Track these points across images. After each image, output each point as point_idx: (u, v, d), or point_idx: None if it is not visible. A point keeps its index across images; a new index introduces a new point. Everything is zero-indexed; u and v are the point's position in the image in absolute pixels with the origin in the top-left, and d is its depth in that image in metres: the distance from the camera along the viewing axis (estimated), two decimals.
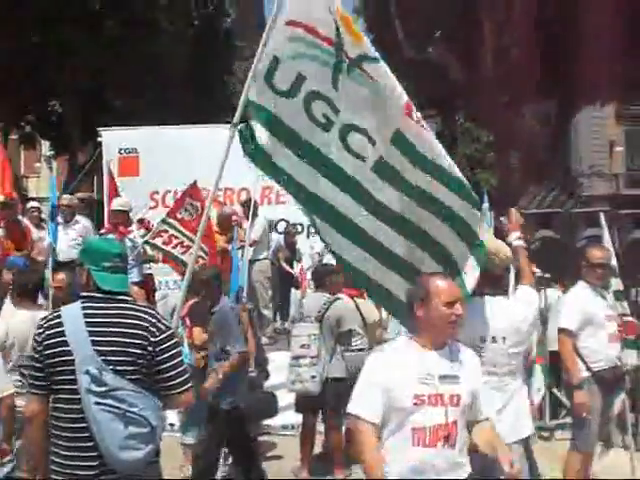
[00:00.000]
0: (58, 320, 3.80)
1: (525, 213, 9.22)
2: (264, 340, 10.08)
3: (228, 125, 5.71)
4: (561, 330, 6.42)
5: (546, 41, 18.06)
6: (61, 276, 7.27)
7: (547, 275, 8.82)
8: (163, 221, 10.12)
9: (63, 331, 3.74)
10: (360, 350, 8.21)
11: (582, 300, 6.33)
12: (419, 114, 4.67)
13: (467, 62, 17.54)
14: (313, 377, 7.49)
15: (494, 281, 4.72)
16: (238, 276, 8.96)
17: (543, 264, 8.78)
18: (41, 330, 3.79)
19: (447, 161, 4.65)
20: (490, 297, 4.74)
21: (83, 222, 11.90)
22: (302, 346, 7.65)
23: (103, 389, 3.63)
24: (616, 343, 6.29)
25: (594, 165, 39.89)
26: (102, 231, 11.24)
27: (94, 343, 3.71)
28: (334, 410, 7.60)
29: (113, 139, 14.02)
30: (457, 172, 4.67)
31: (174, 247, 10.08)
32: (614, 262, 7.19)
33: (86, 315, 3.78)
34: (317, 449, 8.20)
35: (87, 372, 3.63)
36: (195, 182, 9.95)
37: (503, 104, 20.36)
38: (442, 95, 21.63)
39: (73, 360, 3.67)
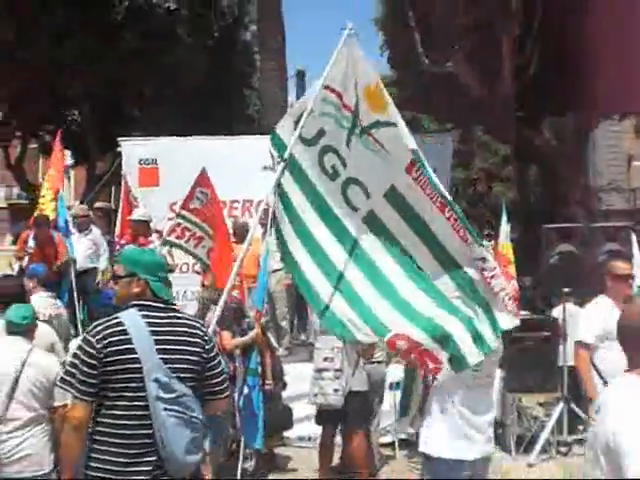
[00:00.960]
0: (121, 328, 3.87)
1: (544, 227, 9.23)
2: (281, 351, 10.10)
3: (246, 136, 6.10)
4: (578, 343, 6.43)
5: (564, 55, 17.99)
6: None
7: (566, 289, 8.81)
8: (177, 215, 10.25)
9: (129, 339, 3.83)
10: (380, 362, 8.26)
11: (601, 313, 6.32)
12: (422, 174, 5.27)
13: (485, 76, 17.50)
14: (336, 390, 7.52)
15: None
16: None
17: (562, 278, 8.77)
18: (100, 336, 3.85)
19: (440, 223, 5.21)
20: None
21: (95, 231, 12.00)
22: (325, 359, 7.68)
23: (172, 396, 3.83)
24: None
25: (612, 180, 39.82)
26: (122, 242, 11.29)
27: (159, 351, 3.85)
28: (355, 423, 7.61)
29: (133, 150, 14.12)
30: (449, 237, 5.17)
31: (187, 240, 10.19)
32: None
33: (149, 324, 3.90)
34: (334, 461, 8.23)
35: (156, 380, 3.81)
36: (204, 169, 10.10)
37: (520, 118, 20.29)
38: (460, 109, 21.62)
39: (140, 368, 3.77)
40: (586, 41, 17.41)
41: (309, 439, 9.29)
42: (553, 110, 23.47)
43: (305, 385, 8.45)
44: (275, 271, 11.28)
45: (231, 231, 12.15)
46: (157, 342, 3.86)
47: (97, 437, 3.85)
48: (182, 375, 3.89)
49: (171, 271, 11.81)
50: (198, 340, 4.02)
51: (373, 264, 5.39)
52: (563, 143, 21.44)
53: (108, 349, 3.82)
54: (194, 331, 4.03)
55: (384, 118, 5.43)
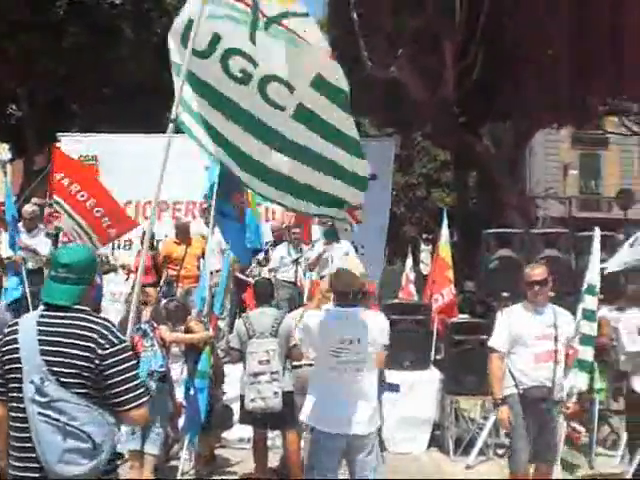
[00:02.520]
0: (15, 328, 3.80)
1: (486, 233, 9.37)
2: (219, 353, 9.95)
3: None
4: (489, 348, 6.64)
5: (504, 65, 18.27)
6: None
7: (505, 294, 8.93)
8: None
9: (17, 339, 3.74)
10: (309, 365, 8.26)
11: (512, 319, 6.56)
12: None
13: (428, 82, 17.67)
14: (275, 393, 7.48)
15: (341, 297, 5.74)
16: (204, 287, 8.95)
17: (501, 283, 8.90)
18: (1, 337, 3.82)
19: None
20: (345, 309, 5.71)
21: (43, 230, 11.79)
22: (260, 362, 7.62)
23: (45, 399, 3.59)
24: (546, 363, 6.38)
25: (549, 187, 40.58)
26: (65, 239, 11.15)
27: (42, 353, 3.67)
28: (291, 423, 7.59)
29: (73, 145, 13.87)
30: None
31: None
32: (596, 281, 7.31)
33: (39, 324, 3.76)
34: (274, 462, 8.23)
35: (32, 382, 3.61)
36: None
37: (460, 125, 20.54)
38: (401, 114, 21.79)
39: (21, 369, 3.66)
40: (528, 49, 17.72)
41: (248, 440, 9.24)
42: (494, 117, 23.83)
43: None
44: (218, 271, 11.24)
45: (174, 232, 12.08)
46: (41, 343, 3.67)
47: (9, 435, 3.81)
48: (65, 380, 3.63)
49: (114, 271, 11.72)
50: (90, 345, 3.67)
51: (314, 152, 5.37)
52: (501, 150, 21.73)
53: (2, 349, 3.77)
54: (87, 334, 3.70)
55: (293, 8, 5.08)
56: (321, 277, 11.23)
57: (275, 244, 12.11)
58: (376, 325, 5.83)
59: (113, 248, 13.15)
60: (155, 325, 7.72)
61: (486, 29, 16.71)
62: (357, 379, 5.58)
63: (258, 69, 5.21)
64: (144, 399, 3.85)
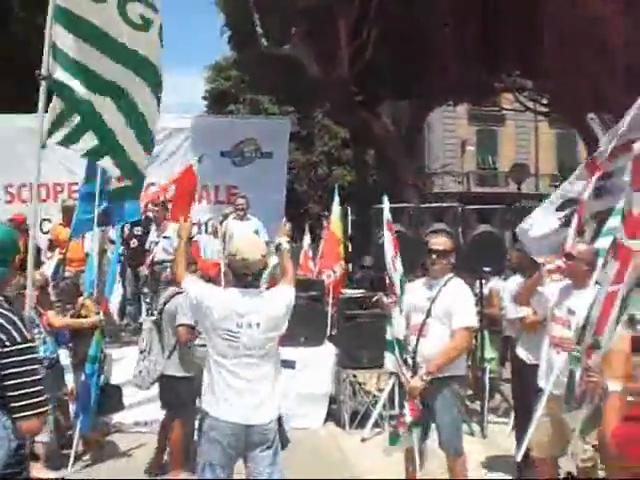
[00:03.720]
0: None
1: (373, 208, 9.45)
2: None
3: None
4: None
5: (401, 41, 18.44)
6: None
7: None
8: None
9: None
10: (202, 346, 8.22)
11: (409, 291, 6.58)
12: None
13: (324, 59, 17.71)
14: (140, 372, 7.38)
15: (239, 279, 5.19)
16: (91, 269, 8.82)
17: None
18: None
19: None
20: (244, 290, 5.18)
21: None
22: (141, 341, 7.57)
23: None
24: (412, 336, 6.27)
25: (446, 163, 41.32)
26: None
27: None
28: (169, 408, 7.50)
29: None
30: None
31: None
32: None
33: None
34: None
35: None
36: None
37: (357, 103, 20.67)
38: (300, 92, 21.80)
39: None
40: (422, 28, 17.92)
41: (145, 424, 9.17)
42: (391, 95, 24.07)
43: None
44: None
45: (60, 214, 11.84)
46: None
47: None
48: None
49: None
50: None
51: None
52: (398, 128, 21.97)
53: None
54: None
55: None
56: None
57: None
58: (281, 305, 5.27)
59: None
60: (42, 311, 7.57)
61: (380, 7, 16.82)
62: (254, 364, 5.07)
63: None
64: (39, 410, 3.38)
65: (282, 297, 5.32)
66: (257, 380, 5.10)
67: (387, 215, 7.06)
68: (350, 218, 16.13)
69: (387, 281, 7.34)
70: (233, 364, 5.04)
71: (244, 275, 5.15)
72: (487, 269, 9.37)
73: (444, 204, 9.93)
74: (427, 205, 7.83)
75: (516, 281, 7.57)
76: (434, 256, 6.26)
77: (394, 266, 6.83)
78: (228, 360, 5.04)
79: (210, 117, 24.30)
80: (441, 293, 6.18)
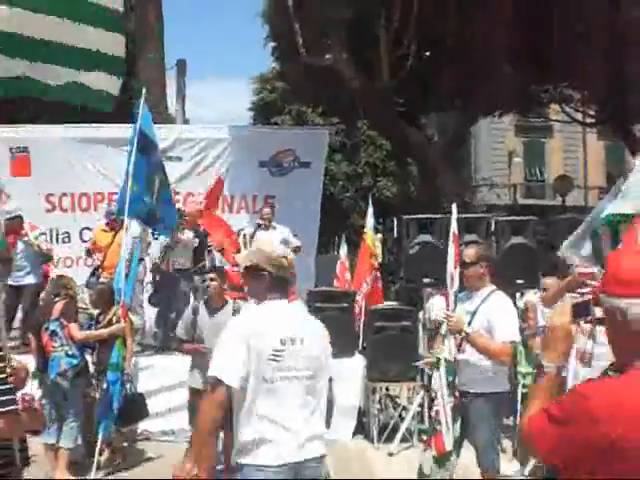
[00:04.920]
0: None
1: (406, 219, 9.38)
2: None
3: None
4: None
5: (443, 51, 18.34)
6: None
7: (426, 280, 8.97)
8: None
9: None
10: None
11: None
12: None
13: (364, 70, 17.66)
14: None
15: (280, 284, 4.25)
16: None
17: (422, 268, 8.93)
18: None
19: None
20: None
21: None
22: None
23: None
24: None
25: (493, 175, 40.94)
26: None
27: None
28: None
29: (3, 137, 13.70)
30: None
31: None
32: None
33: None
34: None
35: None
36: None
37: (399, 114, 20.57)
38: (342, 103, 21.78)
39: None
40: (467, 40, 17.77)
41: (172, 433, 9.17)
42: (435, 106, 23.95)
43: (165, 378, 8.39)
44: None
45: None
46: None
47: None
48: None
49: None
50: None
51: None
52: (441, 139, 21.85)
53: None
54: None
55: None
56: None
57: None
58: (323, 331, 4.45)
59: (52, 241, 13.10)
60: (65, 323, 7.66)
61: (422, 17, 16.71)
62: (303, 387, 4.09)
63: None
64: (7, 408, 3.29)
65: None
66: (310, 400, 4.15)
67: (454, 226, 6.82)
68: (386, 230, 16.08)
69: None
70: (280, 389, 4.02)
71: (285, 281, 4.26)
72: (520, 281, 9.20)
73: (477, 215, 9.83)
74: (459, 216, 7.68)
75: None
76: (464, 267, 6.18)
77: (452, 280, 6.58)
78: (259, 388, 3.99)
79: (249, 127, 24.46)
80: (482, 307, 6.05)
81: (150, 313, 11.39)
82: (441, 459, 6.08)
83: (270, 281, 4.19)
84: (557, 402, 2.51)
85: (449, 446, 5.99)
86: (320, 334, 4.38)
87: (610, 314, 2.50)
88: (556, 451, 2.47)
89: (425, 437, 8.81)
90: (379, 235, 14.67)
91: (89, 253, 11.87)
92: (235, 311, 7.26)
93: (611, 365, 2.62)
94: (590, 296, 2.82)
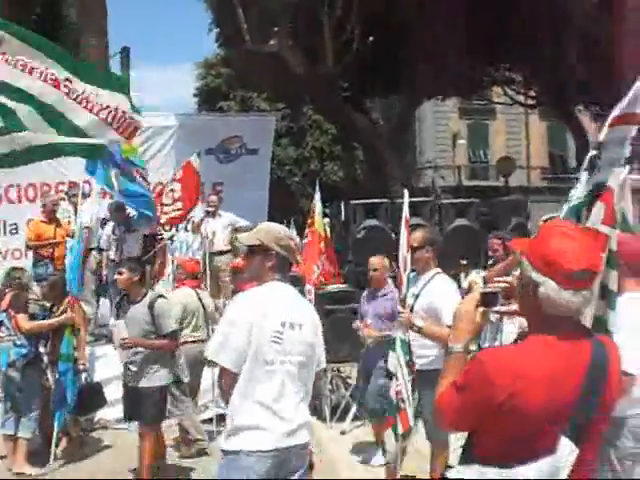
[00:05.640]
0: None
1: (353, 204, 9.55)
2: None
3: None
4: None
5: (386, 36, 18.52)
6: None
7: None
8: None
9: None
10: (195, 342, 8.43)
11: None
12: None
13: (308, 56, 17.78)
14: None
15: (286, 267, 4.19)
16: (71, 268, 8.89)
17: (368, 251, 9.12)
18: None
19: None
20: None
21: None
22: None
23: None
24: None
25: (438, 157, 41.40)
26: None
27: None
28: (143, 419, 7.41)
29: None
30: None
31: None
32: None
33: None
34: None
35: None
36: None
37: (344, 99, 20.74)
38: (287, 89, 21.86)
39: None
40: (410, 25, 17.97)
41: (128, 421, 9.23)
42: (377, 90, 24.14)
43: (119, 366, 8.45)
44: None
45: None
46: None
47: None
48: None
49: None
50: None
51: None
52: (386, 124, 22.07)
53: None
54: None
55: None
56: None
57: None
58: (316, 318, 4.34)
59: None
60: (12, 314, 7.71)
61: (364, 1, 16.87)
62: (296, 373, 4.02)
63: None
64: None
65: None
66: (301, 387, 4.09)
67: (406, 211, 6.97)
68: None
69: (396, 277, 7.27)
70: (276, 374, 3.96)
71: (289, 262, 4.17)
72: (464, 262, 9.46)
73: (420, 198, 10.07)
74: (401, 200, 7.89)
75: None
76: (412, 251, 6.25)
77: (405, 264, 6.71)
78: (272, 368, 3.94)
79: (195, 115, 24.45)
80: (424, 290, 6.20)
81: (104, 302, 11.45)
82: (406, 434, 6.27)
83: (276, 261, 4.09)
84: (462, 372, 2.74)
85: (412, 421, 6.18)
86: (316, 322, 4.26)
87: (525, 281, 2.72)
88: (462, 418, 2.73)
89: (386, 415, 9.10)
90: (327, 219, 14.88)
91: (28, 246, 11.75)
92: (152, 302, 7.05)
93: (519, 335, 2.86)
94: (501, 287, 3.04)
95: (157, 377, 7.09)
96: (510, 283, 3.00)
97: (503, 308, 3.17)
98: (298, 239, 12.71)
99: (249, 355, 3.87)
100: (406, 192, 6.74)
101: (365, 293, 8.24)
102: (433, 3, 17.44)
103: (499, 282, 3.06)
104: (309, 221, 11.22)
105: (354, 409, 9.31)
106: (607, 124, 4.86)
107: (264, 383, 3.91)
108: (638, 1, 14.52)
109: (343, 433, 9.11)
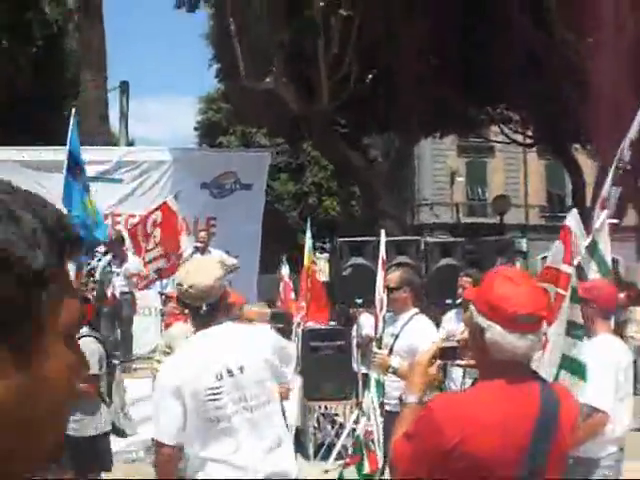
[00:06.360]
0: None
1: (340, 241, 9.59)
2: None
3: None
4: None
5: (382, 73, 18.67)
6: None
7: (358, 300, 9.17)
8: None
9: None
10: None
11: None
12: None
13: (304, 93, 17.92)
14: None
15: (194, 315, 3.93)
16: None
17: (352, 290, 9.14)
18: None
19: None
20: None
21: None
22: None
23: None
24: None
25: (436, 195, 41.54)
26: None
27: None
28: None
29: None
30: None
31: None
32: None
33: None
34: None
35: None
36: None
37: (341, 136, 20.87)
38: (284, 124, 22.00)
39: None
40: (407, 63, 18.13)
41: None
42: (374, 127, 24.29)
43: None
44: None
45: None
46: None
47: None
48: None
49: None
50: None
51: None
52: (382, 161, 22.19)
53: None
54: None
55: None
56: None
57: None
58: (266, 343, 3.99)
59: None
60: None
61: (360, 40, 17.02)
62: (255, 417, 3.74)
63: None
64: None
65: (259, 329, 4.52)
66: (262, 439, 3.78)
67: (382, 251, 6.96)
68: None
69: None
70: (228, 429, 3.70)
71: (197, 308, 3.81)
72: (449, 302, 9.45)
73: (407, 237, 10.10)
74: (390, 239, 7.92)
75: None
76: (390, 293, 6.36)
77: (381, 304, 6.73)
78: (218, 427, 3.69)
79: (190, 149, 24.66)
80: (403, 331, 6.21)
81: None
82: (372, 476, 6.26)
83: (192, 314, 3.94)
84: (413, 421, 2.77)
85: (380, 463, 6.17)
86: (265, 347, 3.91)
87: (472, 327, 2.75)
88: (414, 466, 2.74)
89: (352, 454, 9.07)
90: (325, 255, 14.91)
91: None
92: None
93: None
94: (459, 339, 3.09)
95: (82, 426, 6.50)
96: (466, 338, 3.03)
97: (463, 362, 3.20)
98: (287, 273, 12.76)
99: (190, 418, 3.63)
100: (383, 232, 6.80)
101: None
102: (430, 41, 17.60)
103: (458, 337, 3.12)
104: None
105: (338, 447, 9.27)
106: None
107: (218, 440, 3.67)
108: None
109: (327, 471, 9.06)
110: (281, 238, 30.37)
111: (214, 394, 3.65)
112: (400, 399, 4.64)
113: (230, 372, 3.70)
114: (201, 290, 3.74)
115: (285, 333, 10.29)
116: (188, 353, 3.93)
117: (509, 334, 2.61)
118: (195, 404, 3.63)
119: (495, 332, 2.62)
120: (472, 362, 3.08)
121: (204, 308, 3.78)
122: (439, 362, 2.97)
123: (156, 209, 11.95)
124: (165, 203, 11.67)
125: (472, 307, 2.76)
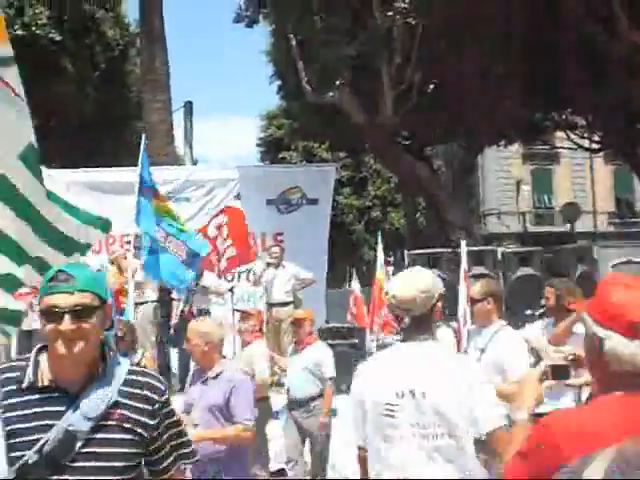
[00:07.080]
0: None
1: (411, 254, 9.43)
2: None
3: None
4: None
5: (445, 83, 18.48)
6: None
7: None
8: None
9: None
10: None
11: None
12: None
13: (368, 106, 17.82)
14: None
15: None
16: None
17: None
18: None
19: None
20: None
21: None
22: None
23: None
24: None
25: (502, 204, 41.04)
26: None
27: None
28: None
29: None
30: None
31: None
32: None
33: None
34: None
35: None
36: None
37: (404, 147, 20.71)
38: (347, 138, 21.94)
39: None
40: (471, 71, 17.92)
41: None
42: (438, 139, 24.08)
43: None
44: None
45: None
46: None
47: None
48: None
49: None
50: None
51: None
52: (446, 171, 21.95)
53: None
54: None
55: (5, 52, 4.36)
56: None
57: None
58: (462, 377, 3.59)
59: None
60: None
61: (423, 51, 16.89)
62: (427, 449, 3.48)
63: None
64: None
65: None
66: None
67: (464, 263, 6.74)
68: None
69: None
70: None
71: (401, 320, 3.70)
72: (529, 312, 9.20)
73: (483, 247, 9.88)
74: (462, 249, 7.72)
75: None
76: (472, 304, 6.19)
77: (465, 317, 6.53)
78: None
79: (255, 167, 24.75)
80: (490, 344, 6.00)
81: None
82: None
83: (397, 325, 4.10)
84: (525, 439, 2.61)
85: None
86: (456, 383, 3.57)
87: (589, 339, 2.58)
88: None
89: None
90: (391, 268, 14.73)
91: None
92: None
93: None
94: (570, 358, 2.93)
95: None
96: (578, 355, 2.88)
97: (573, 381, 3.06)
98: (358, 287, 12.67)
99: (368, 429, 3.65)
100: (464, 242, 6.57)
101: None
102: (493, 48, 17.37)
103: (567, 355, 2.97)
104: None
105: None
106: None
107: (387, 458, 3.58)
108: None
109: None
110: (345, 252, 30.28)
111: (391, 410, 3.54)
112: None
113: (412, 393, 3.53)
114: (403, 301, 3.62)
115: (359, 348, 10.17)
116: (379, 363, 3.84)
117: (630, 342, 2.44)
118: (373, 416, 3.59)
119: (615, 340, 2.46)
120: (581, 380, 2.93)
121: (406, 320, 3.65)
122: (552, 382, 2.82)
123: (217, 214, 12.24)
124: (226, 206, 11.78)
125: (587, 318, 2.59)
